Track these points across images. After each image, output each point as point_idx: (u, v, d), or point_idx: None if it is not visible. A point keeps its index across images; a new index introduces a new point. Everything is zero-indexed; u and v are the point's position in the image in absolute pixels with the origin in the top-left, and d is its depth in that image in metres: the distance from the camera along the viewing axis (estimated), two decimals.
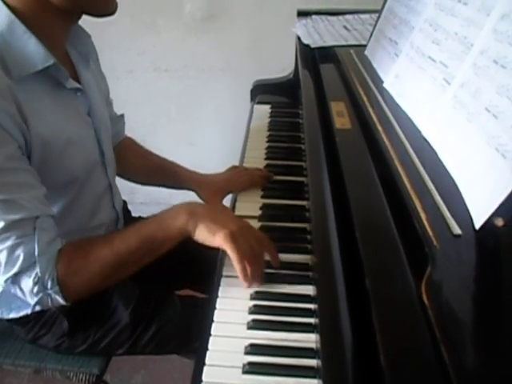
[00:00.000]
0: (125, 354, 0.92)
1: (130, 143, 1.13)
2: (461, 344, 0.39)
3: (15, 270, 0.67)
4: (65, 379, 0.95)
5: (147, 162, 1.11)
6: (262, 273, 0.73)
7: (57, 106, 0.75)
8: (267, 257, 0.75)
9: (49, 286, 0.69)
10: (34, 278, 0.68)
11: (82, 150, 0.81)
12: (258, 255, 0.72)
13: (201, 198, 1.06)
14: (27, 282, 0.68)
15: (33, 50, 0.69)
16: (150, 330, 0.89)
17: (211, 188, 1.05)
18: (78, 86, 0.80)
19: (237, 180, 1.03)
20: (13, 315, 0.85)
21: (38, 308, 0.74)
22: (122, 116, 1.11)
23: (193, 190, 1.08)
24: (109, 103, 1.04)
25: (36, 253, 0.67)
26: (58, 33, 0.77)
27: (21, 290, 0.69)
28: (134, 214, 1.16)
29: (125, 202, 1.14)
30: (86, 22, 0.80)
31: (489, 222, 0.49)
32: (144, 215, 1.17)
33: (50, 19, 0.72)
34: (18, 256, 0.66)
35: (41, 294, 0.69)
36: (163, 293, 0.95)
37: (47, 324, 0.88)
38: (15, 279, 0.68)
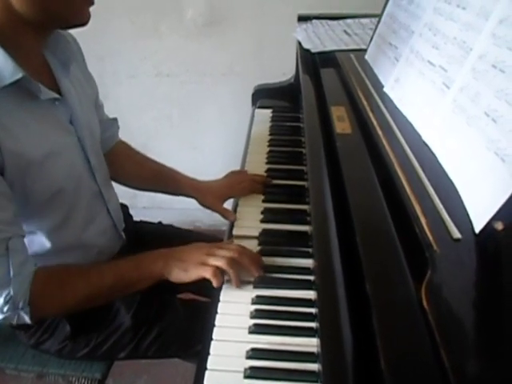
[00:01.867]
0: (127, 358, 0.93)
1: (124, 148, 1.11)
2: (461, 348, 0.39)
3: None
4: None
5: (143, 169, 1.10)
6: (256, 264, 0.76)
7: (32, 118, 0.73)
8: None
9: (20, 306, 0.70)
10: (6, 296, 0.69)
11: (65, 159, 0.79)
12: (234, 261, 0.75)
13: (201, 204, 1.06)
14: None
15: (1, 64, 0.67)
16: (151, 334, 0.89)
17: (211, 194, 1.04)
18: (54, 95, 0.77)
19: (237, 186, 1.03)
20: None
21: (0, 322, 0.74)
22: (115, 120, 1.09)
23: (192, 197, 1.06)
24: (98, 106, 1.02)
25: (11, 274, 0.68)
26: (32, 44, 0.74)
27: None
28: (135, 219, 1.16)
29: (126, 207, 1.14)
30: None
31: (489, 226, 0.49)
32: (146, 219, 1.18)
33: (21, 31, 0.71)
34: None
35: (9, 313, 0.71)
36: (165, 296, 0.95)
37: (50, 329, 0.89)
38: None
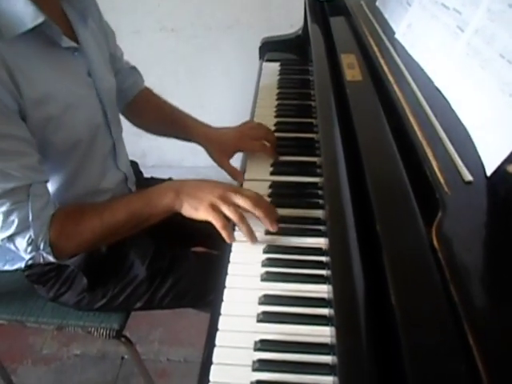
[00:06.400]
0: (143, 309, 0.95)
1: (147, 94, 1.11)
2: (470, 284, 0.40)
3: (10, 232, 0.71)
4: (86, 334, 0.99)
5: (161, 114, 1.09)
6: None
7: (52, 67, 0.74)
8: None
9: (41, 248, 0.74)
10: (28, 239, 0.72)
11: (83, 111, 0.80)
12: (246, 215, 0.73)
13: (210, 155, 1.02)
14: (21, 242, 0.73)
15: (22, 8, 0.67)
16: (166, 284, 0.91)
17: (221, 147, 0.99)
18: (74, 45, 0.77)
19: (249, 141, 0.98)
20: (7, 267, 0.90)
21: (30, 262, 0.80)
22: (135, 68, 1.08)
23: (202, 146, 1.03)
24: (118, 58, 1.02)
25: (30, 218, 0.71)
26: None
27: (15, 247, 0.74)
28: (145, 175, 1.17)
29: (136, 164, 1.15)
30: None
31: (500, 169, 0.49)
32: (156, 176, 1.19)
33: None
34: (13, 221, 0.71)
35: (33, 253, 0.75)
36: (178, 249, 0.97)
37: (67, 281, 0.91)
38: (10, 239, 0.73)
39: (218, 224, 0.72)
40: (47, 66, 0.73)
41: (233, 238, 0.73)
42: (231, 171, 0.96)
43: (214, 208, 0.72)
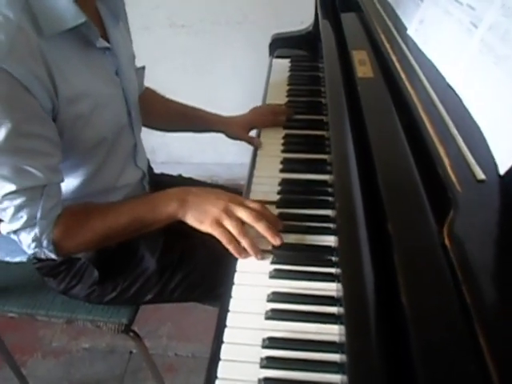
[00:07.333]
0: (153, 302, 0.96)
1: (151, 92, 1.13)
2: (481, 284, 0.39)
3: (16, 227, 0.73)
4: (95, 328, 0.99)
5: (171, 109, 1.13)
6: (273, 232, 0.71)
7: (85, 66, 0.75)
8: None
9: (44, 245, 0.75)
10: (33, 236, 0.74)
11: (110, 110, 0.81)
12: (246, 228, 0.72)
13: (228, 136, 1.11)
14: (26, 238, 0.74)
15: (64, 6, 0.67)
16: (176, 277, 0.92)
17: (236, 125, 1.08)
18: (107, 45, 0.79)
19: (259, 117, 1.08)
20: (8, 259, 0.92)
21: (32, 257, 0.81)
22: (143, 68, 1.09)
23: (219, 131, 1.11)
24: (133, 57, 1.02)
25: (38, 216, 0.72)
26: None
27: (19, 240, 0.76)
28: (156, 171, 1.17)
29: (147, 160, 1.15)
30: None
31: None
32: (166, 172, 1.19)
33: None
34: (22, 216, 0.72)
35: (36, 249, 0.76)
36: (188, 242, 0.97)
37: (78, 274, 0.92)
38: (15, 233, 0.74)
39: (222, 240, 0.72)
40: (82, 64, 0.74)
41: (241, 253, 0.72)
42: (249, 139, 1.06)
43: (218, 223, 0.72)
